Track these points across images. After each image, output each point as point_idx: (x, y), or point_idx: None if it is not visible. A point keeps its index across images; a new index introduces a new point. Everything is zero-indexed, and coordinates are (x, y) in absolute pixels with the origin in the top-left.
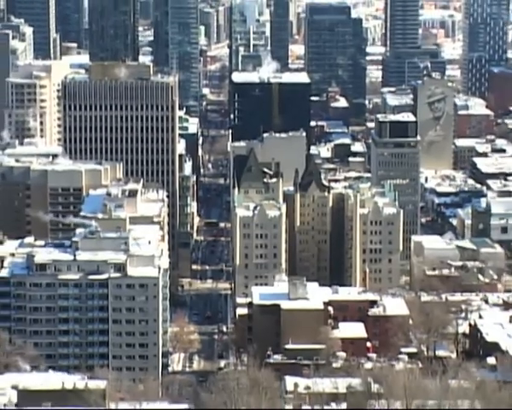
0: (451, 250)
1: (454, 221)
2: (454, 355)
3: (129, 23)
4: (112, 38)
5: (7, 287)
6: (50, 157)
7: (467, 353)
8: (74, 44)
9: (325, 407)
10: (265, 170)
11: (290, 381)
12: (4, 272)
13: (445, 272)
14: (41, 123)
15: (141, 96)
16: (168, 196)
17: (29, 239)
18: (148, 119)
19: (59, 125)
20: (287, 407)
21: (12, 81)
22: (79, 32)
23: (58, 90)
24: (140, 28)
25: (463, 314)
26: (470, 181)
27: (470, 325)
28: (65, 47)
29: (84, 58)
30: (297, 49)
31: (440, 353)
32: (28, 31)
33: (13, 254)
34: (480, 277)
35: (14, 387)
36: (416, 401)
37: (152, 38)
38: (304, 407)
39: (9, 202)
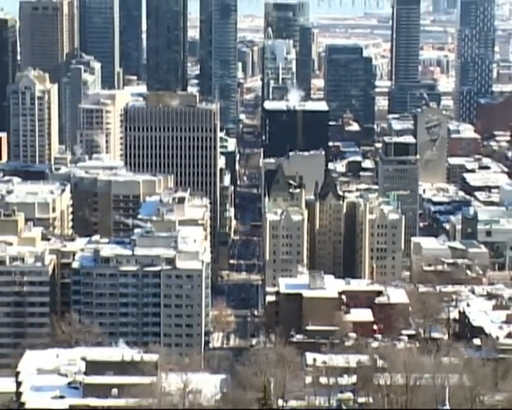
0: (444, 250)
1: (447, 226)
2: (446, 337)
3: (179, 59)
4: (165, 71)
5: (77, 276)
6: (114, 170)
7: (456, 335)
8: (134, 77)
9: (338, 380)
10: (291, 182)
11: (310, 356)
12: (75, 264)
13: (439, 267)
14: (106, 141)
15: (189, 120)
16: (210, 203)
17: (96, 237)
18: (194, 139)
19: (121, 144)
20: (307, 377)
21: (83, 107)
22: (139, 66)
23: (121, 115)
24: (188, 64)
25: (454, 303)
26: (460, 193)
27: (460, 312)
28: (127, 79)
29: (143, 88)
30: (318, 83)
31: (434, 335)
32: (97, 66)
33: (82, 250)
34: (468, 272)
35: (83, 358)
36: (414, 375)
37: (198, 72)
38: (321, 379)
39: (80, 206)
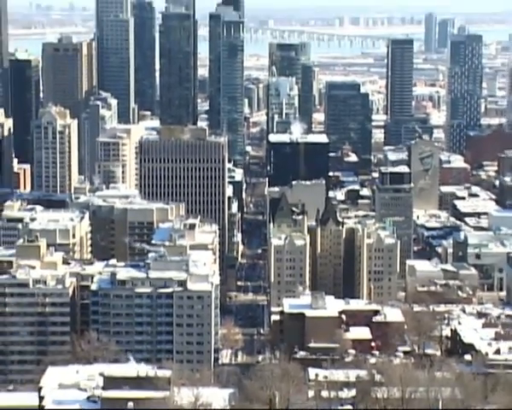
0: (437, 272)
1: (439, 249)
2: (439, 353)
3: (190, 96)
4: (177, 107)
5: (96, 298)
6: (129, 198)
7: (449, 351)
8: (148, 112)
9: (339, 393)
10: (294, 209)
11: (312, 372)
12: (94, 286)
13: (432, 288)
14: (122, 172)
15: (199, 152)
16: (219, 229)
17: (113, 261)
18: (204, 169)
19: (136, 174)
20: (309, 391)
21: (101, 140)
22: (152, 102)
23: (136, 147)
24: (199, 100)
25: (446, 321)
26: (452, 219)
27: (451, 329)
28: (141, 114)
29: (156, 123)
30: (319, 117)
31: (428, 351)
32: (114, 102)
33: (100, 273)
34: (459, 292)
35: (101, 374)
36: (409, 388)
37: (208, 108)
38: (323, 392)
39: (98, 232)
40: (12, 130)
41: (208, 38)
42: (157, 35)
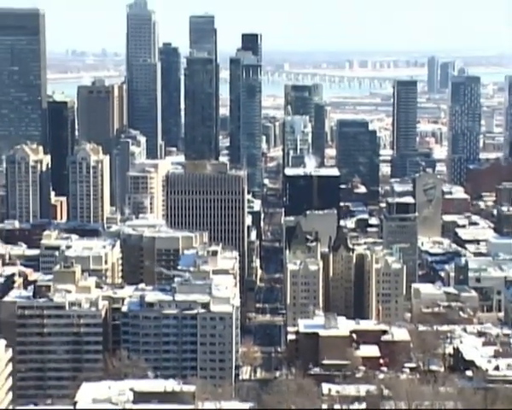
0: (440, 294)
1: (442, 273)
2: (442, 369)
3: (212, 133)
4: (200, 143)
5: (126, 319)
6: (157, 227)
7: (451, 367)
8: (174, 148)
9: (350, 407)
10: (308, 237)
11: (325, 387)
12: (124, 309)
13: (436, 309)
14: (151, 203)
15: (220, 185)
16: (239, 255)
17: (142, 285)
18: (225, 201)
19: (163, 205)
20: (323, 405)
21: (131, 174)
22: (178, 139)
23: (163, 181)
24: (220, 137)
25: (449, 340)
26: (453, 245)
27: (454, 347)
28: (168, 150)
29: (181, 158)
30: (330, 152)
31: (432, 367)
32: (142, 139)
33: (130, 296)
34: (461, 313)
35: (131, 389)
36: (415, 402)
37: (228, 144)
38: (335, 406)
39: (128, 259)
40: (50, 165)
41: (229, 81)
42: (182, 78)
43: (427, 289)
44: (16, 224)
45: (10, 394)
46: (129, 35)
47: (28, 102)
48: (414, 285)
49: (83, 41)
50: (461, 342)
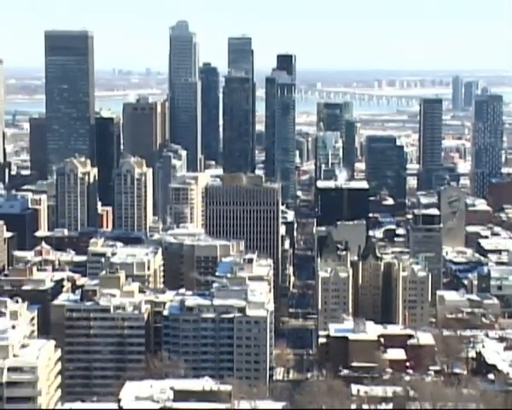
0: (463, 301)
1: (465, 282)
2: (465, 372)
3: (249, 148)
4: (237, 157)
5: (167, 322)
6: (196, 236)
7: (474, 371)
8: (213, 162)
9: (378, 407)
10: (338, 246)
11: (354, 388)
12: (165, 312)
13: (459, 315)
14: (191, 213)
15: (256, 197)
16: (273, 263)
17: (182, 290)
18: (260, 211)
19: (202, 215)
20: (352, 405)
21: (172, 186)
22: (217, 153)
23: (202, 192)
24: (256, 151)
25: (471, 345)
26: (476, 255)
27: (476, 352)
28: (207, 164)
29: (219, 171)
30: (360, 166)
31: (456, 370)
32: (183, 153)
33: (171, 300)
34: (483, 319)
35: (172, 388)
36: (440, 403)
37: (264, 158)
38: (364, 406)
39: (170, 266)
40: (97, 177)
41: (265, 98)
42: (221, 95)
43: (451, 296)
44: (65, 232)
45: (59, 391)
46: (171, 55)
47: (77, 118)
48: (438, 292)
49: (128, 61)
50: (483, 346)
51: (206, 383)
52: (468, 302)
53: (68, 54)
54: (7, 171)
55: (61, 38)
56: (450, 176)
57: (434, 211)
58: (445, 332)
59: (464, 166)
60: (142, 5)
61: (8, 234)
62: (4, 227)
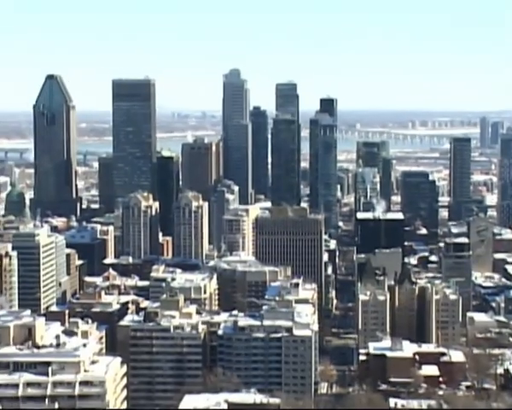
0: (492, 322)
1: (493, 304)
2: (494, 388)
3: (295, 183)
4: (284, 191)
5: (221, 341)
6: (248, 263)
7: (502, 386)
8: (262, 196)
9: None
10: (377, 272)
11: (392, 401)
12: (220, 332)
13: (488, 335)
14: (242, 242)
15: (301, 227)
16: (318, 287)
17: (235, 312)
18: (305, 240)
19: (253, 244)
20: None
21: (226, 218)
22: (266, 188)
23: (253, 223)
24: (301, 186)
25: (500, 362)
26: (503, 279)
27: (504, 369)
28: (257, 197)
29: (268, 204)
30: (396, 199)
31: (486, 386)
32: (235, 188)
33: (225, 321)
34: (510, 338)
35: (226, 401)
36: None
37: (308, 192)
38: None
39: (223, 290)
40: (158, 210)
41: (309, 138)
42: (269, 136)
43: (480, 317)
44: (130, 259)
45: (125, 403)
46: (225, 100)
47: (140, 157)
48: (469, 314)
49: (186, 105)
50: (510, 363)
51: (256, 397)
52: (496, 323)
53: (133, 100)
54: (78, 205)
55: (126, 85)
56: (479, 207)
57: (464, 239)
58: (475, 350)
59: (491, 199)
60: (198, 55)
61: (80, 261)
62: (76, 255)
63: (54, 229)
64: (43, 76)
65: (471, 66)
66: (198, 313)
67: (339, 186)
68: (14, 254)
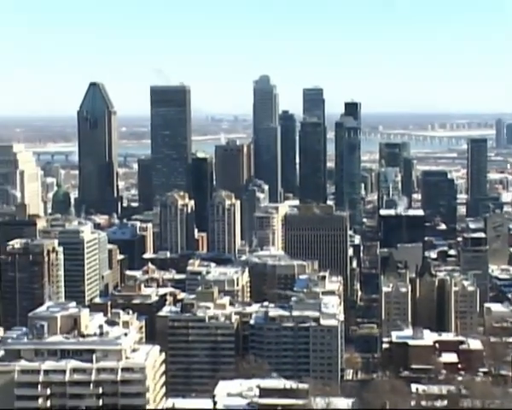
0: (508, 312)
1: (509, 295)
2: (510, 374)
3: (321, 182)
4: (312, 190)
5: (253, 330)
6: (277, 257)
7: None
8: (291, 194)
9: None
10: (399, 265)
11: (414, 386)
12: (252, 322)
13: (504, 324)
14: (272, 238)
15: (327, 223)
16: (343, 279)
17: (265, 303)
18: (331, 236)
19: (282, 239)
20: (412, 401)
21: (257, 215)
22: (294, 187)
23: (282, 220)
24: (327, 185)
25: None
26: None
27: None
28: (286, 196)
29: (296, 202)
30: (416, 196)
31: (502, 372)
32: (266, 187)
33: (256, 312)
34: None
35: (258, 386)
36: (488, 401)
37: (334, 190)
38: (422, 402)
39: (255, 283)
40: (193, 208)
41: (334, 140)
42: (297, 138)
43: (496, 307)
44: (168, 254)
45: (164, 388)
46: (255, 105)
47: (177, 159)
48: (486, 305)
49: (219, 110)
50: None
51: (286, 383)
52: (511, 313)
53: (170, 105)
54: (119, 203)
55: (163, 92)
56: (495, 204)
57: (481, 234)
58: (492, 339)
59: (507, 196)
60: (231, 62)
61: (121, 256)
62: (117, 251)
63: (97, 226)
64: (87, 83)
65: (487, 69)
66: (231, 304)
67: (363, 185)
68: (60, 249)
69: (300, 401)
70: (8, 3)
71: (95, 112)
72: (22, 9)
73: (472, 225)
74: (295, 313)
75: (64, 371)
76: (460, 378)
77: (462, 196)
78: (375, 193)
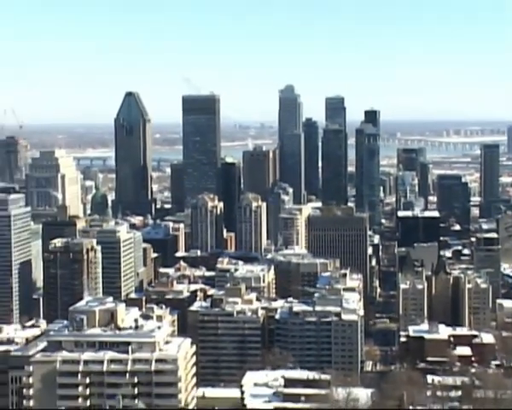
0: None
1: None
2: None
3: (342, 185)
4: (333, 192)
5: (278, 324)
6: (301, 256)
7: None
8: (314, 196)
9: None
10: (415, 263)
11: (430, 378)
12: (277, 316)
13: None
14: (296, 238)
15: (348, 224)
16: (363, 277)
17: (290, 299)
18: (351, 236)
19: (306, 239)
20: (427, 392)
21: (282, 216)
22: (317, 190)
23: (305, 221)
24: (348, 188)
25: None
26: None
27: None
28: (309, 198)
29: (319, 204)
30: (432, 199)
31: None
32: (290, 190)
33: (281, 307)
34: None
35: (283, 377)
36: (500, 391)
37: (354, 193)
38: (437, 392)
39: (280, 279)
40: (222, 210)
41: (355, 146)
42: (320, 144)
43: (508, 303)
44: (198, 252)
45: (194, 378)
46: (280, 112)
47: (207, 164)
48: (498, 301)
49: (247, 117)
50: None
51: (309, 374)
52: None
53: (200, 113)
54: (153, 205)
55: (194, 100)
56: (507, 206)
57: (494, 235)
58: (504, 333)
59: None
60: (258, 73)
61: (155, 255)
62: (151, 249)
63: (132, 226)
64: (123, 93)
65: (500, 78)
66: (258, 299)
67: (381, 188)
68: (98, 248)
69: (323, 391)
70: (52, 21)
71: (130, 120)
72: (68, 24)
73: (485, 226)
74: (318, 309)
75: (102, 362)
76: (473, 370)
77: (475, 199)
78: (393, 195)
